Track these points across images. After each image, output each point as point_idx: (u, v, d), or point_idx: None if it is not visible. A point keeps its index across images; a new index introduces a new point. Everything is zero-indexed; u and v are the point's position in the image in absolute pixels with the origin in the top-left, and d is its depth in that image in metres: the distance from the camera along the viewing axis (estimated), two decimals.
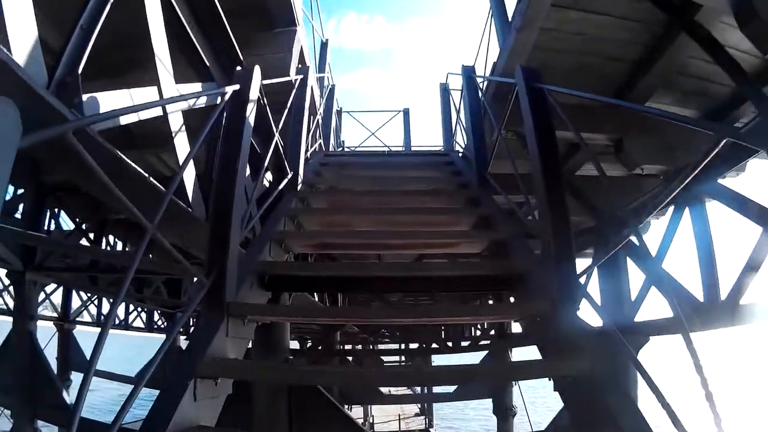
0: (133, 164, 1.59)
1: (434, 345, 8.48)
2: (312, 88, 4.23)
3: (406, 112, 7.94)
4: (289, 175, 3.09)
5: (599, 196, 4.10)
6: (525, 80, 2.12)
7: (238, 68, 2.19)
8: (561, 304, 1.59)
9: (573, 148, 3.84)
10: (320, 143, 4.66)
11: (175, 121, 1.97)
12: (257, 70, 2.15)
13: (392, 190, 3.28)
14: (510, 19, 3.00)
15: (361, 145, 7.86)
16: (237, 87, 2.04)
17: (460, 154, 4.77)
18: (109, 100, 1.52)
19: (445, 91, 5.72)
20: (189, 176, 2.09)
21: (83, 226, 5.21)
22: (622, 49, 3.20)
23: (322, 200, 3.16)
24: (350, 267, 2.83)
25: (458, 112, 4.78)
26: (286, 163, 3.06)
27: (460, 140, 5.11)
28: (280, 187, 2.87)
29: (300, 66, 3.67)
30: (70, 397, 5.91)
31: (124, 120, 1.55)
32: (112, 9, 1.49)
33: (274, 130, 2.65)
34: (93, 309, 9.00)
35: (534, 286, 1.84)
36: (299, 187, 3.17)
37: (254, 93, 2.11)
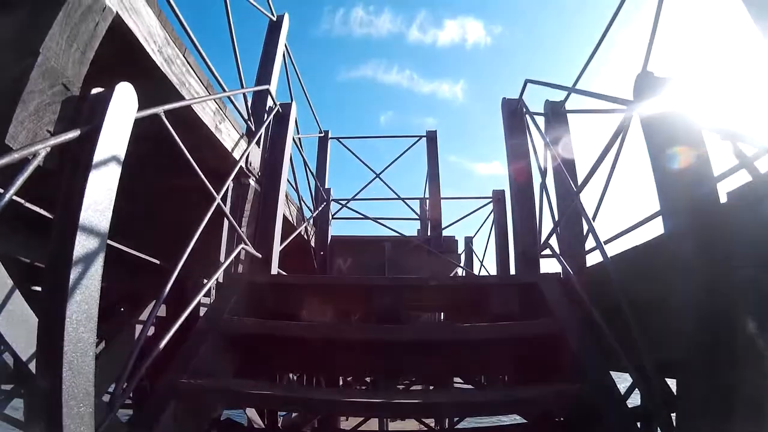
0: None
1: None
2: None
3: (431, 138, 4.64)
4: None
5: None
6: None
7: None
8: None
9: None
10: (245, 250, 1.90)
11: None
12: None
13: None
14: None
15: (355, 197, 4.65)
16: None
17: (561, 277, 2.06)
18: None
19: (512, 115, 2.91)
20: None
21: None
22: None
23: None
24: None
25: (577, 177, 2.03)
26: None
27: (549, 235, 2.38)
28: None
29: None
30: None
31: None
32: None
33: None
34: None
35: None
36: None
37: None
